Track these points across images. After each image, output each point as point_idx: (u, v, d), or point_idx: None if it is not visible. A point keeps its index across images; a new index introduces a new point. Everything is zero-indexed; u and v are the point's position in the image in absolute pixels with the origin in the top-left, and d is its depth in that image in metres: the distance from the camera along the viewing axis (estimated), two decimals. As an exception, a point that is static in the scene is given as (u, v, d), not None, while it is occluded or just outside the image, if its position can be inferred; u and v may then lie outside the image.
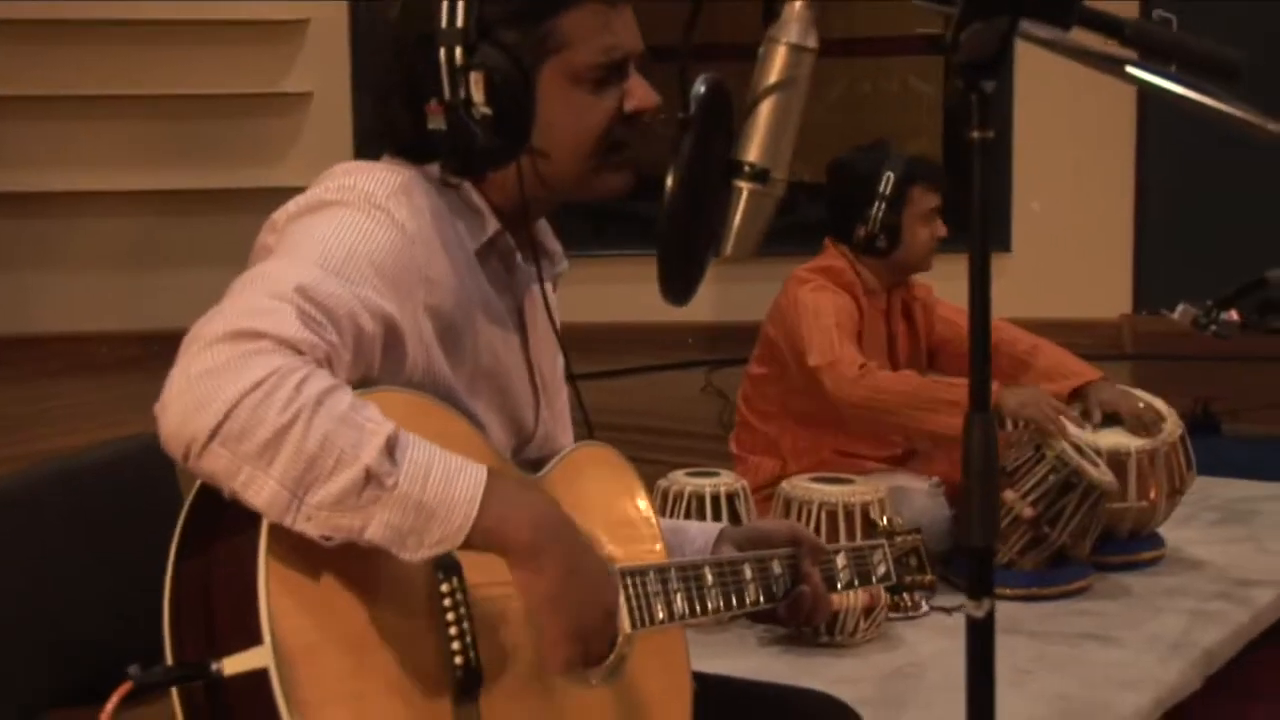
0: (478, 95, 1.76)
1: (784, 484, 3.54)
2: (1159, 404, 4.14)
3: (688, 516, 3.41)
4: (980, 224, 1.41)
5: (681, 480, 3.52)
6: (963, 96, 1.40)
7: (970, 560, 1.39)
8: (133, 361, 7.70)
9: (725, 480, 3.53)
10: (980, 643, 1.37)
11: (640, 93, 1.87)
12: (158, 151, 8.16)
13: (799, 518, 3.39)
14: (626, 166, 1.89)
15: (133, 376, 7.36)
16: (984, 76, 1.38)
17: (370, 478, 1.54)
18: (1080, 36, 1.54)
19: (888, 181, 3.92)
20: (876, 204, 3.91)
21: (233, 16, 8.04)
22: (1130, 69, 1.63)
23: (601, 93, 1.85)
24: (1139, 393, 4.13)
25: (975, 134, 1.38)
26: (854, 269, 4.00)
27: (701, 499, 3.46)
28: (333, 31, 8.13)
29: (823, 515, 3.38)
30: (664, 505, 3.47)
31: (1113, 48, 1.57)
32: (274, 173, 8.00)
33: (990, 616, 1.35)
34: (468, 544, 1.60)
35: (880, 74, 9.70)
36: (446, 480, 1.59)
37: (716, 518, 3.41)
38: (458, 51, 1.75)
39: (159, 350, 7.36)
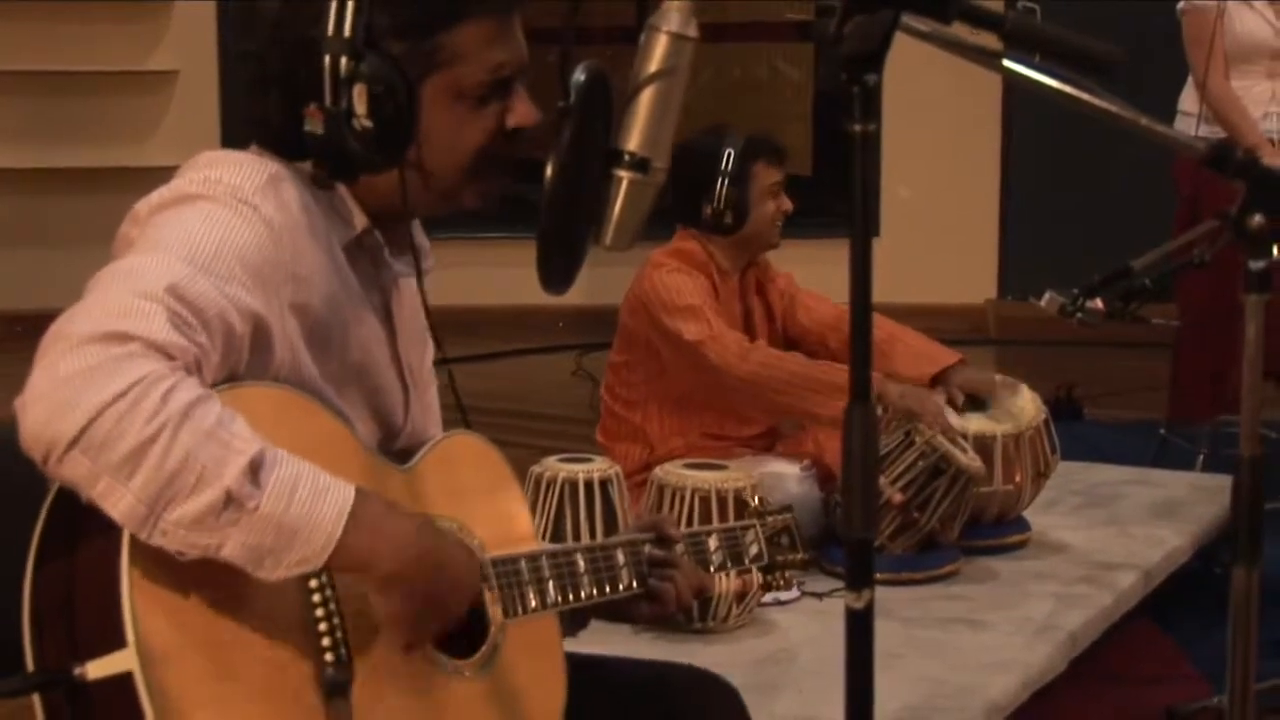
0: (360, 107, 1.73)
1: (656, 470, 3.54)
2: (1022, 388, 4.20)
3: (561, 503, 3.40)
4: (861, 215, 1.42)
5: (555, 466, 3.51)
6: (842, 88, 1.40)
7: (850, 551, 1.40)
8: (-8, 342, 7.56)
9: (599, 466, 3.52)
10: (860, 634, 1.38)
11: (522, 110, 1.85)
12: (19, 129, 7.99)
13: (672, 504, 3.40)
14: (496, 180, 1.89)
15: (-8, 358, 7.21)
16: (867, 70, 1.38)
17: (230, 500, 1.51)
18: (957, 29, 1.55)
19: (729, 158, 3.95)
20: (720, 180, 3.94)
21: (97, -8, 7.90)
22: (1006, 62, 1.65)
23: (484, 109, 1.83)
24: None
25: (857, 127, 1.38)
26: (706, 251, 4.03)
27: (575, 485, 3.44)
28: (199, 10, 7.99)
29: (695, 501, 3.38)
30: (537, 491, 3.46)
31: (988, 40, 1.58)
32: (139, 152, 7.86)
33: (870, 608, 1.36)
34: (329, 565, 1.59)
35: (749, 59, 9.73)
36: (313, 499, 1.56)
37: (590, 504, 3.40)
38: (343, 61, 1.72)
39: (21, 331, 7.22)
